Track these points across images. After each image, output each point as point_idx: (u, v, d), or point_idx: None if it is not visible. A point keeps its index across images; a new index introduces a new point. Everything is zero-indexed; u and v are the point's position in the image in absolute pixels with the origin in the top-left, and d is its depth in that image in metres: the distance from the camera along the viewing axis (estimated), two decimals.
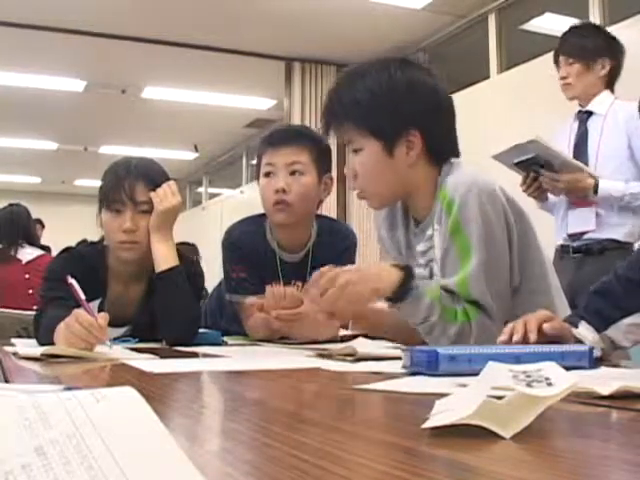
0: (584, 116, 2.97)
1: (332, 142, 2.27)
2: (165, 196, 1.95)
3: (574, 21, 5.43)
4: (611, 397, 0.81)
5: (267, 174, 2.13)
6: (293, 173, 2.11)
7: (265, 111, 8.35)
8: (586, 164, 2.84)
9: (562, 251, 2.93)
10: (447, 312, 1.53)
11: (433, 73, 1.62)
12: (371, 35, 6.31)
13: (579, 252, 2.87)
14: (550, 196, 2.92)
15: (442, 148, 1.62)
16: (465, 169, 1.61)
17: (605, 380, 0.87)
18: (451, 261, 1.55)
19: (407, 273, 1.52)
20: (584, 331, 1.24)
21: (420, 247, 1.66)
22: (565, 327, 1.28)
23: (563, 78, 2.97)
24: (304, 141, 2.15)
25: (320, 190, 2.18)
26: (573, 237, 2.89)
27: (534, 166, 2.76)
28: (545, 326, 1.23)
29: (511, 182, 2.23)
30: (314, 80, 7.06)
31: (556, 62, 3.01)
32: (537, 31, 5.75)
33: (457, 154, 1.65)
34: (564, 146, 2.97)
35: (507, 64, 5.64)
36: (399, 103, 1.55)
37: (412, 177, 1.60)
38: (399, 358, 1.37)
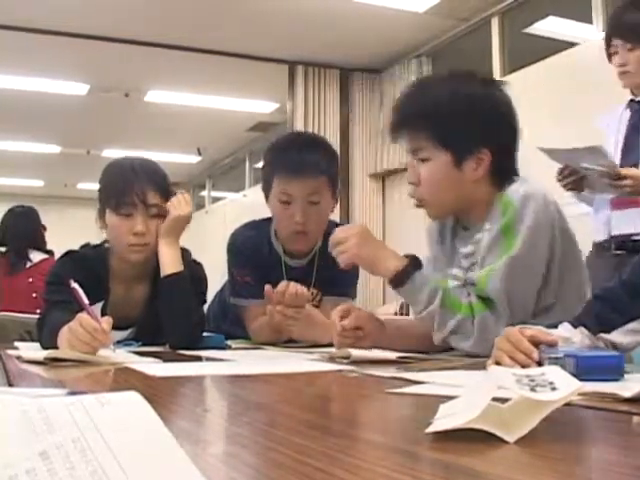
0: (637, 107, 2.70)
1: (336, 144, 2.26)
2: (179, 203, 1.99)
3: (577, 24, 5.45)
4: (632, 400, 0.80)
5: (283, 201, 2.10)
6: (311, 202, 2.10)
7: (268, 114, 8.35)
8: (637, 159, 2.59)
9: (601, 249, 2.70)
10: (450, 302, 1.56)
11: (509, 94, 1.64)
12: (374, 39, 6.32)
13: (622, 249, 2.65)
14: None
15: (507, 169, 1.64)
16: (526, 180, 1.63)
17: (628, 384, 0.87)
18: (492, 258, 1.56)
19: (411, 261, 1.60)
20: (566, 333, 1.22)
21: (465, 249, 1.66)
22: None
23: (621, 65, 2.63)
24: (321, 164, 2.10)
25: (332, 204, 2.18)
26: (617, 238, 2.66)
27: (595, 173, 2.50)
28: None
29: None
30: (317, 84, 7.07)
31: (608, 45, 2.65)
32: (540, 34, 5.75)
33: (517, 174, 1.66)
34: (613, 136, 2.74)
35: (510, 67, 5.64)
36: (477, 120, 1.57)
37: (474, 193, 1.61)
38: (394, 361, 1.40)
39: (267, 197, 2.17)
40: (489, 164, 1.59)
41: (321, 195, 2.11)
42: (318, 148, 2.18)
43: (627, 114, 2.75)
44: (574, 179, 2.59)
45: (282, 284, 1.98)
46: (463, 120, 1.56)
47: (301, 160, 2.08)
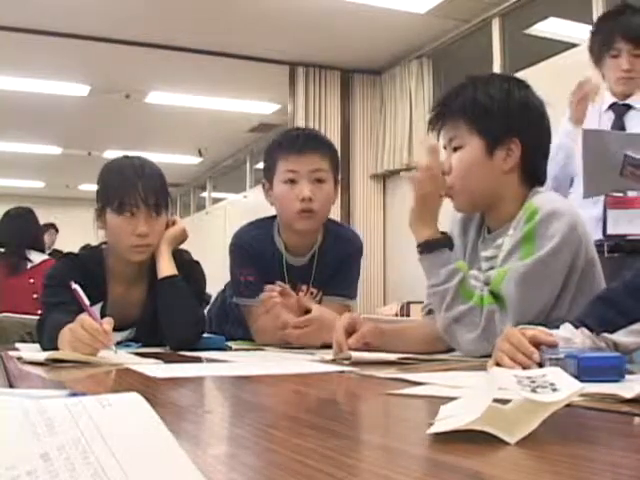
0: (622, 109, 2.67)
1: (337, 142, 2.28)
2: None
3: (577, 26, 5.45)
4: (634, 400, 0.80)
5: (288, 180, 2.11)
6: (316, 180, 2.11)
7: (269, 115, 8.36)
8: None
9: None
10: (465, 288, 1.58)
11: (544, 103, 1.71)
12: (375, 40, 6.32)
13: (619, 251, 2.56)
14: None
15: (535, 168, 1.68)
16: (559, 197, 1.69)
17: (629, 384, 0.87)
18: (512, 262, 1.57)
19: (446, 237, 1.66)
20: (567, 333, 1.22)
21: (486, 253, 1.69)
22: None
23: (628, 71, 2.55)
24: (324, 147, 2.16)
25: (334, 194, 2.19)
26: (613, 238, 2.58)
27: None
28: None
29: None
30: (318, 85, 7.07)
31: (608, 47, 2.57)
32: (541, 35, 5.75)
33: (543, 182, 1.71)
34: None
35: (511, 68, 5.63)
36: (511, 112, 1.64)
37: (502, 185, 1.65)
38: (395, 362, 1.41)
39: (269, 190, 2.18)
40: (519, 158, 1.63)
41: (326, 175, 2.13)
42: (319, 138, 2.24)
43: (609, 116, 2.70)
44: None
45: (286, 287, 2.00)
46: (498, 108, 1.63)
47: (305, 140, 2.14)
